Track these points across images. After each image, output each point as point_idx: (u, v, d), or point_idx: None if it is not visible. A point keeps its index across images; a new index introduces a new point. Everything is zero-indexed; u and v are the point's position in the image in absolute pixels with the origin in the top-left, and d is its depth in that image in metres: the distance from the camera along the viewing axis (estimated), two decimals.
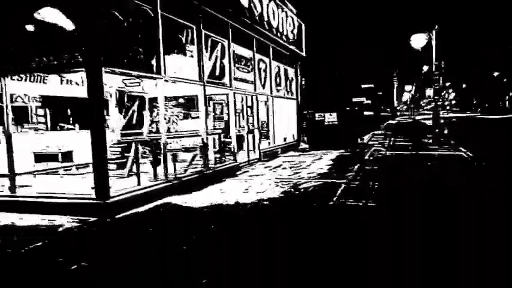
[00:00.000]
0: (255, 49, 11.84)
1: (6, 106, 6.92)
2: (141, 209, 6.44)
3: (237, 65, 10.82)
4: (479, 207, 5.80)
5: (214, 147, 10.12)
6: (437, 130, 15.30)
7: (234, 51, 10.56)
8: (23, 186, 7.33)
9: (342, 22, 23.53)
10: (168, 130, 10.67)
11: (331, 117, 14.75)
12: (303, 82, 23.38)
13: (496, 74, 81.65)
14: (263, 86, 12.75)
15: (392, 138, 19.92)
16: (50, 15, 6.18)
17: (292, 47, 14.41)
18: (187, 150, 9.15)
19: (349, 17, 24.92)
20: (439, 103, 15.99)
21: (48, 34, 6.24)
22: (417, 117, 58.65)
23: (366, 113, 23.10)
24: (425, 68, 60.74)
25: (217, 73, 9.68)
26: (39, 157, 9.09)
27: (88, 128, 6.03)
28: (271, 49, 13.19)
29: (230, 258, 4.13)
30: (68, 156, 9.18)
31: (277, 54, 13.93)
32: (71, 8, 6.09)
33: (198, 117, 11.40)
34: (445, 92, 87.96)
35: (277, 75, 14.06)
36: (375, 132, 26.10)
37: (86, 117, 6.43)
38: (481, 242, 4.31)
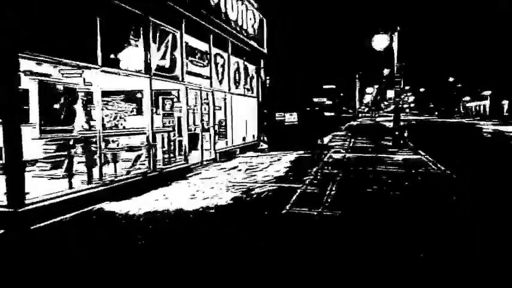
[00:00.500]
0: (211, 42, 11.08)
1: None
2: (67, 217, 5.57)
3: (190, 58, 10.04)
4: (445, 213, 5.38)
5: (164, 146, 9.30)
6: (397, 132, 15.16)
7: (187, 43, 9.77)
8: None
9: (305, 21, 23.23)
10: (116, 127, 9.74)
11: (291, 117, 14.24)
12: (268, 81, 22.92)
13: (451, 79, 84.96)
14: (220, 82, 12.02)
15: (353, 140, 19.74)
16: None
17: (252, 42, 13.76)
18: (131, 149, 8.29)
19: (312, 17, 24.67)
20: (399, 106, 15.88)
21: None
22: (378, 119, 59.82)
23: (327, 113, 22.88)
24: (386, 71, 62.07)
25: (167, 66, 8.85)
26: None
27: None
28: (229, 43, 12.47)
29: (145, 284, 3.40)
30: None
31: (237, 49, 13.24)
32: None
33: (161, 113, 10.56)
34: (404, 95, 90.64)
35: (236, 72, 13.37)
36: (336, 133, 25.98)
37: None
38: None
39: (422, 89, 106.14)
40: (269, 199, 6.59)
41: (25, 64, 5.87)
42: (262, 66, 20.93)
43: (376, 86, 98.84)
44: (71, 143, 7.06)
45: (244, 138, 14.25)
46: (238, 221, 5.34)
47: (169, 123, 9.54)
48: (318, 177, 8.71)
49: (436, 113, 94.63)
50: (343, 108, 40.93)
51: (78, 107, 7.49)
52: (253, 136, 15.51)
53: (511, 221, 5.28)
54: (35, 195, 5.41)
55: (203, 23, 10.37)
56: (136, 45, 7.81)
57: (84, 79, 7.02)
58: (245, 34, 13.00)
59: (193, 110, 11.11)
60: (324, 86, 23.78)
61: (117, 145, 8.73)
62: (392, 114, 16.08)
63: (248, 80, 14.70)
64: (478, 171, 9.84)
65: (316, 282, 3.45)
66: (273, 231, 4.87)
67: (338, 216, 5.44)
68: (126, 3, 7.30)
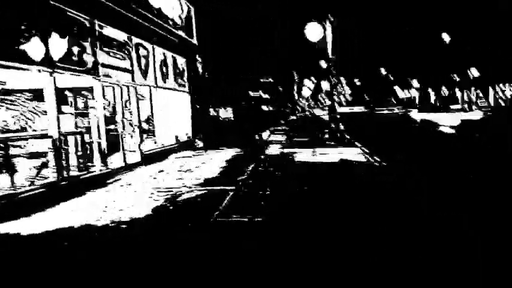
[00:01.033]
0: (132, 32, 9.98)
1: None
2: None
3: (107, 50, 8.89)
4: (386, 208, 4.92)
5: (78, 150, 8.13)
6: (333, 125, 14.98)
7: (101, 32, 8.62)
8: None
9: (240, 11, 22.54)
10: (25, 130, 8.40)
11: (226, 113, 13.47)
12: (206, 75, 21.95)
13: (383, 71, 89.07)
14: (145, 75, 10.94)
15: (291, 134, 19.45)
16: None
17: (180, 32, 12.77)
18: (33, 156, 7.06)
19: (248, 6, 24.05)
20: (335, 98, 15.73)
21: None
22: (316, 112, 61.04)
23: (264, 108, 22.41)
24: (323, 64, 63.42)
25: (76, 58, 7.68)
26: None
27: None
28: (154, 33, 11.41)
29: None
30: None
31: (163, 40, 12.20)
32: None
33: (71, 113, 9.27)
34: (340, 87, 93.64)
35: (163, 64, 12.32)
36: (275, 128, 25.67)
37: None
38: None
39: (357, 81, 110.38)
40: (196, 206, 5.79)
41: None
42: (198, 59, 19.95)
43: (314, 80, 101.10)
44: None
45: (176, 137, 13.26)
46: (154, 237, 4.48)
47: (83, 123, 8.37)
48: (253, 176, 8.05)
49: (371, 104, 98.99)
50: (283, 102, 40.93)
51: None
52: (187, 134, 14.55)
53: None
54: None
55: (121, 10, 9.26)
56: (37, 35, 6.60)
57: None
58: (171, 24, 11.99)
59: (114, 107, 9.97)
60: (261, 80, 23.33)
61: (26, 151, 7.46)
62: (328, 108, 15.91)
63: (178, 73, 13.70)
64: (412, 161, 9.75)
65: None
66: (195, 247, 4.09)
67: (272, 223, 4.78)
68: None
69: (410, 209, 5.09)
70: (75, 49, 7.67)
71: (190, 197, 6.32)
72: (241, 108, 13.60)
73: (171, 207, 5.73)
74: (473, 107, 47.12)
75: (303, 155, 10.83)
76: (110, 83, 9.11)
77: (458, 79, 51.48)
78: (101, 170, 8.37)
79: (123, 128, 9.78)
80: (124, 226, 4.88)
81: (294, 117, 45.29)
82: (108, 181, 8.12)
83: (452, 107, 46.43)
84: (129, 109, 10.33)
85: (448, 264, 3.46)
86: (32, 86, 7.62)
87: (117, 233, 4.65)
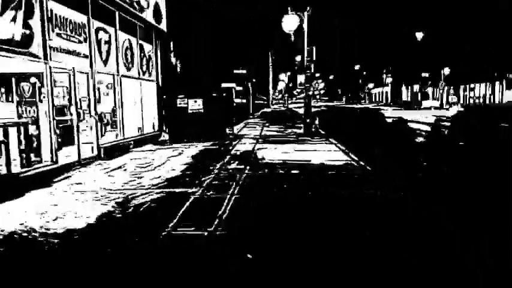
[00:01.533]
0: (90, 13, 9.02)
1: None
2: None
3: (58, 31, 7.92)
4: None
5: (21, 143, 7.19)
6: (308, 120, 14.45)
7: (52, 10, 7.65)
8: None
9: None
10: None
11: (195, 104, 12.67)
12: (179, 64, 20.88)
13: (357, 67, 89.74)
14: (105, 62, 10.00)
15: (265, 128, 18.83)
16: None
17: (145, 16, 11.82)
18: None
19: None
20: (310, 92, 15.17)
21: None
22: (291, 106, 60.77)
23: (237, 100, 21.67)
24: (298, 57, 63.05)
25: (18, 38, 6.71)
26: None
27: None
28: (117, 16, 10.46)
29: None
30: None
31: (128, 24, 11.25)
32: None
33: (13, 101, 8.24)
34: (315, 82, 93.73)
35: (128, 51, 11.38)
36: (249, 120, 24.99)
37: None
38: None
39: (331, 77, 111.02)
40: (150, 214, 5.05)
41: None
42: (171, 48, 18.94)
43: (289, 73, 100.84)
44: None
45: (140, 129, 12.36)
46: (88, 257, 3.73)
47: (28, 113, 7.43)
48: (221, 176, 7.36)
49: (344, 99, 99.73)
50: (257, 94, 40.25)
51: None
52: (154, 126, 13.67)
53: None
54: None
55: None
56: None
57: None
58: (137, 7, 11.04)
59: (68, 95, 9.00)
60: (235, 71, 22.50)
61: None
62: (303, 101, 15.38)
63: (144, 61, 12.76)
64: (387, 157, 9.32)
65: None
66: (136, 272, 3.38)
67: (233, 239, 4.12)
68: None
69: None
70: (19, 28, 6.70)
71: (144, 202, 5.56)
72: (212, 99, 12.83)
73: (119, 216, 4.96)
74: (445, 104, 47.92)
75: (276, 152, 10.21)
76: (63, 69, 8.16)
77: (430, 76, 52.25)
78: (48, 166, 7.46)
79: (79, 119, 8.86)
80: (53, 241, 4.09)
81: (269, 110, 44.75)
82: (56, 179, 7.23)
83: (424, 103, 47.03)
84: (87, 98, 9.38)
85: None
86: None
87: (47, 250, 3.87)
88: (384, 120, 23.64)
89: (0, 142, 6.43)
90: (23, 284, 3.21)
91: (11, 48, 6.50)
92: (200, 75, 16.62)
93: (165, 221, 4.66)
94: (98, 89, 9.81)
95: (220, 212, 4.98)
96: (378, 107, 48.44)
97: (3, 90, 7.38)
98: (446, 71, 46.43)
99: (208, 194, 5.99)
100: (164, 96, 13.20)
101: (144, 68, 12.81)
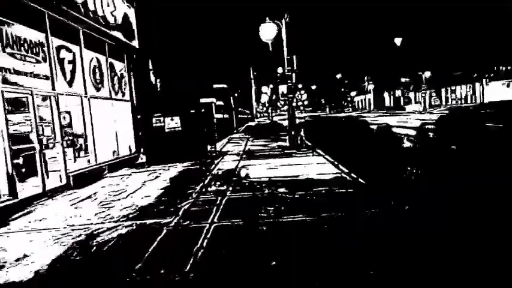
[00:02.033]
0: (48, 31, 8.29)
1: None
2: None
3: (11, 51, 7.16)
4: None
5: None
6: (293, 132, 13.84)
7: (2, 29, 6.90)
8: None
9: (191, 12, 21.03)
10: None
11: (172, 123, 11.93)
12: (158, 82, 20.10)
13: (339, 75, 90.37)
14: (70, 83, 9.24)
15: (249, 143, 18.15)
16: None
17: (115, 33, 11.10)
18: None
19: (200, 8, 22.55)
20: (293, 104, 14.61)
21: None
22: (275, 118, 60.37)
23: (219, 115, 20.99)
24: (279, 69, 63.03)
25: None
26: None
27: None
28: (81, 34, 9.74)
29: None
30: None
31: (95, 41, 10.53)
32: None
33: None
34: (298, 93, 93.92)
35: (96, 70, 10.63)
36: (232, 136, 24.29)
37: None
38: None
39: (314, 87, 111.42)
40: (114, 254, 4.28)
41: None
42: (150, 66, 18.24)
43: (271, 86, 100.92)
44: None
45: (115, 152, 11.54)
46: None
47: None
48: (199, 201, 6.61)
49: (328, 108, 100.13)
50: (240, 109, 39.66)
51: None
52: (130, 148, 12.86)
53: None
54: None
55: (31, 3, 7.59)
56: None
57: None
58: (103, 22, 10.34)
59: (30, 121, 8.19)
60: (214, 86, 21.88)
61: None
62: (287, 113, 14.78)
63: (116, 80, 12.01)
64: (380, 171, 8.71)
65: None
66: None
67: (211, 282, 3.39)
68: None
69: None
70: None
71: (109, 239, 4.79)
72: (190, 116, 12.12)
73: (78, 258, 4.18)
74: (427, 107, 48.09)
75: (262, 169, 9.51)
76: (18, 92, 7.38)
77: (411, 81, 52.60)
78: (5, 202, 6.62)
79: (42, 147, 8.04)
80: None
81: (253, 124, 44.16)
82: (13, 216, 6.39)
83: (407, 107, 47.15)
84: (50, 123, 8.58)
85: None
86: None
87: None
88: (368, 128, 23.23)
89: None
90: None
91: None
92: (178, 92, 15.98)
93: (130, 263, 3.90)
94: (65, 112, 9.04)
95: (196, 248, 4.24)
96: (362, 114, 48.37)
97: None
98: (427, 74, 46.74)
99: (185, 224, 5.24)
100: (139, 116, 12.44)
101: (116, 88, 12.05)
